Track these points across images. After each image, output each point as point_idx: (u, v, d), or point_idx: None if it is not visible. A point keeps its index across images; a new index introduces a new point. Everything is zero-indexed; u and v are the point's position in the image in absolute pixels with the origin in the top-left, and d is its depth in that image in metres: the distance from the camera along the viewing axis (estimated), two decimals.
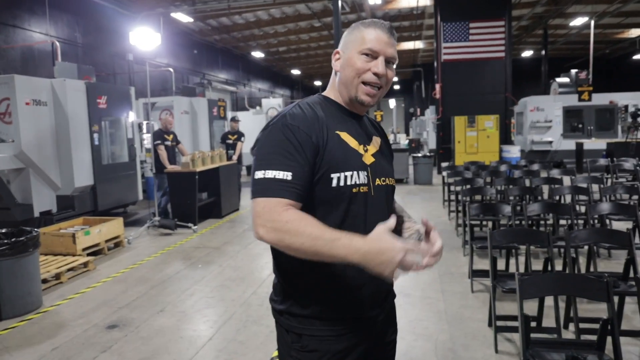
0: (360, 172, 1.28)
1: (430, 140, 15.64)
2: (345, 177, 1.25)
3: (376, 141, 1.42)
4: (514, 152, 11.71)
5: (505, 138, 12.59)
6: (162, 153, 7.41)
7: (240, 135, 9.43)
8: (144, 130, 9.34)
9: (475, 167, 7.91)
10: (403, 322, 3.60)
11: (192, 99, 11.54)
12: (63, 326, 3.77)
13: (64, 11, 11.64)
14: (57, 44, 9.03)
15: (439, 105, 12.89)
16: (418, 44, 23.19)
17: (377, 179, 1.34)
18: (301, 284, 1.29)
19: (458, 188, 6.30)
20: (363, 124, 1.40)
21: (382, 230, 1.10)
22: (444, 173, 7.72)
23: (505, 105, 12.58)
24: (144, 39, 7.84)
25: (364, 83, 1.30)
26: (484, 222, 6.13)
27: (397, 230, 1.58)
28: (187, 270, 5.21)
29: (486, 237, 3.42)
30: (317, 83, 34.60)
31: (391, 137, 19.46)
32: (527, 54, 25.38)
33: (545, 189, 6.26)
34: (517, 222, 4.64)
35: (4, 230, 4.20)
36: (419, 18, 18.33)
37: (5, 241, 3.85)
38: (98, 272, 5.20)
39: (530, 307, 3.40)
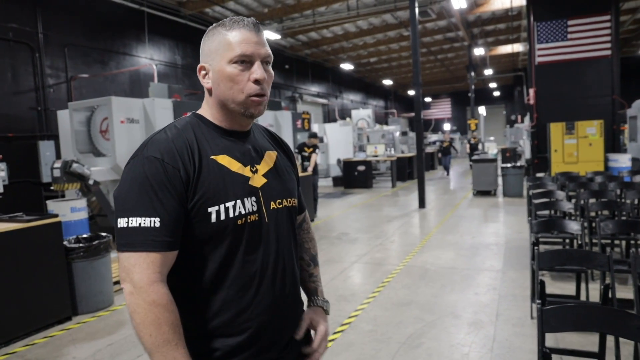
0: (246, 199, 1.13)
1: (526, 149, 14.50)
2: (227, 208, 1.09)
3: (270, 157, 1.26)
4: (622, 161, 10.33)
5: (613, 146, 11.20)
6: None
7: (315, 147, 9.55)
8: None
9: (564, 178, 7.13)
10: (443, 345, 3.37)
11: (276, 112, 11.99)
12: (124, 324, 4.12)
13: (165, 37, 12.91)
14: (154, 66, 10.00)
15: (533, 111, 11.90)
16: (517, 47, 21.70)
17: (272, 202, 1.20)
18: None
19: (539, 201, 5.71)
20: (250, 140, 1.24)
21: None
22: (527, 184, 7.08)
23: (612, 109, 11.21)
24: None
25: (249, 95, 1.14)
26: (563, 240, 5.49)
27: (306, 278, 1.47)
28: None
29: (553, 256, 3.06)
30: (411, 92, 33.99)
31: (479, 147, 18.38)
32: None
33: None
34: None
35: (84, 236, 4.73)
36: (515, 19, 17.19)
37: (80, 245, 4.34)
38: None
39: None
